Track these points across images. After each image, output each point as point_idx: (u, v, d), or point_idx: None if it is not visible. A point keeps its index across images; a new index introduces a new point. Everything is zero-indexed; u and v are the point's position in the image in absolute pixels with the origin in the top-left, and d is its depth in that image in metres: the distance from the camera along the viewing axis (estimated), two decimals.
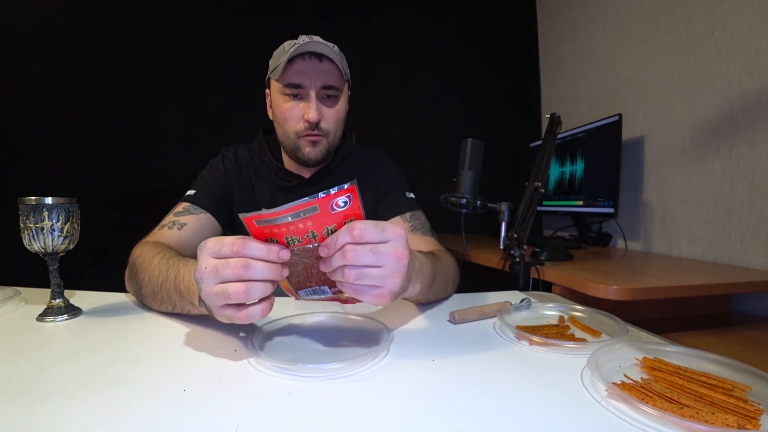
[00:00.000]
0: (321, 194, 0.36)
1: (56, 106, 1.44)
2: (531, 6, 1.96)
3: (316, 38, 0.72)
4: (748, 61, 1.02)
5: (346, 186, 0.37)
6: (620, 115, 1.21)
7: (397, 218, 0.80)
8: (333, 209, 0.38)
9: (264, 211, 0.37)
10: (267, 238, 0.39)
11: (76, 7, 1.44)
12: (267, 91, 0.81)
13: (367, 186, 0.84)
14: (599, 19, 1.56)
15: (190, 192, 0.78)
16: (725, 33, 1.08)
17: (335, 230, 0.39)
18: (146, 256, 0.59)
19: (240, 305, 0.39)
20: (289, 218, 0.37)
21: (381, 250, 0.39)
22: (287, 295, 0.48)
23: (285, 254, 0.39)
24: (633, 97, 1.39)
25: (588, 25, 1.62)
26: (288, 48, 0.71)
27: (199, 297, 0.42)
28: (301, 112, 0.73)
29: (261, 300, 0.40)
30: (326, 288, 0.45)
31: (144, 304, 0.60)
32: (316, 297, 0.46)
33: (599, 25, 1.56)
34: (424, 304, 0.65)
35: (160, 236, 0.69)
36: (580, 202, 1.37)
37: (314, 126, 0.73)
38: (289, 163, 0.83)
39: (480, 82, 1.88)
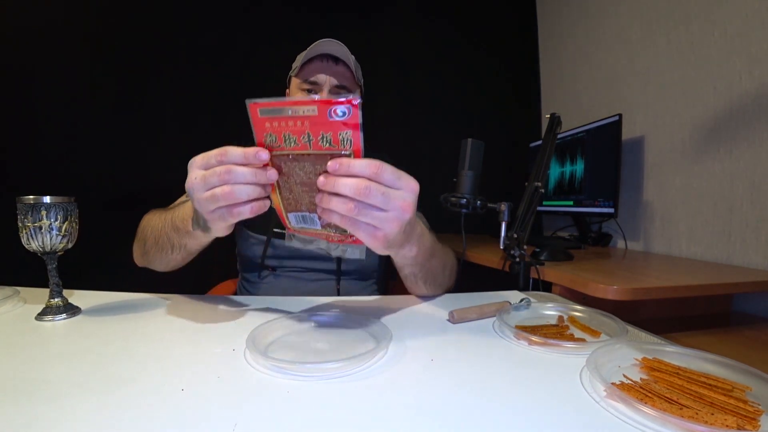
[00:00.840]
0: (319, 97, 0.36)
1: (55, 105, 1.44)
2: (531, 6, 1.96)
3: (336, 42, 0.79)
4: (748, 61, 1.02)
5: (348, 97, 0.37)
6: (620, 115, 1.21)
7: None
8: (331, 116, 0.38)
9: (268, 99, 0.39)
10: (266, 133, 0.40)
11: (76, 7, 1.44)
12: (287, 90, 0.91)
13: None
14: (599, 19, 1.56)
15: None
16: (725, 33, 1.07)
17: (330, 140, 0.39)
18: (150, 217, 0.67)
19: (231, 206, 0.42)
20: (290, 112, 0.38)
21: (391, 195, 0.40)
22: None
23: (264, 155, 0.40)
24: (633, 97, 1.39)
25: (588, 25, 1.62)
26: (307, 51, 0.80)
27: (192, 220, 0.47)
28: None
29: (251, 201, 0.42)
30: (315, 217, 0.44)
31: (149, 264, 0.67)
32: (307, 228, 0.46)
33: (599, 25, 1.56)
34: (425, 296, 0.66)
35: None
36: (580, 202, 1.36)
37: None
38: None
39: (480, 82, 1.88)
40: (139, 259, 0.71)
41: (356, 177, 0.39)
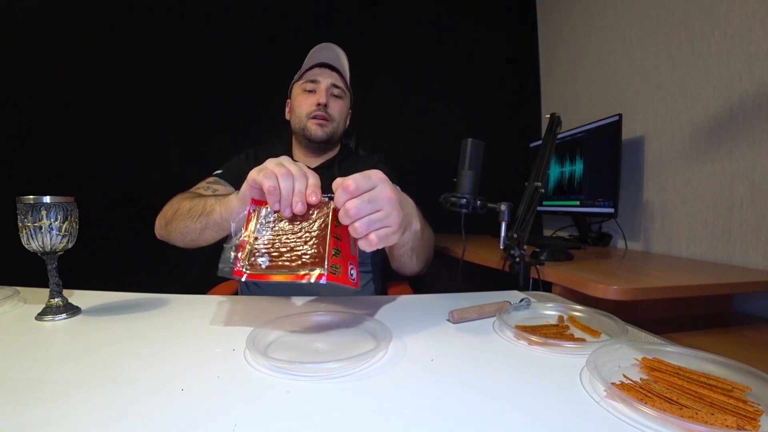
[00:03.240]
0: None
1: (55, 105, 1.44)
2: (531, 6, 1.96)
3: (333, 48, 0.95)
4: (748, 61, 1.02)
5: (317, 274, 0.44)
6: (620, 115, 1.21)
7: None
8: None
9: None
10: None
11: (76, 7, 1.44)
12: (288, 100, 1.04)
13: None
14: (599, 20, 1.56)
15: (218, 171, 0.93)
16: (725, 33, 1.07)
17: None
18: (184, 195, 0.76)
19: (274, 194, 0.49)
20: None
21: (375, 195, 0.45)
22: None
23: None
24: (633, 97, 1.39)
25: (588, 26, 1.62)
26: (309, 56, 0.96)
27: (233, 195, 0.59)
28: (313, 100, 0.95)
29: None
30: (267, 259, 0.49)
31: (168, 234, 0.74)
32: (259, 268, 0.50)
33: (599, 26, 1.56)
34: (420, 272, 0.76)
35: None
36: (580, 202, 1.36)
37: (323, 108, 0.93)
38: (297, 157, 1.01)
39: (480, 82, 1.88)
40: (160, 229, 0.78)
41: (344, 207, 0.45)
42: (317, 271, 0.44)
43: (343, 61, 0.98)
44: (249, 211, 0.52)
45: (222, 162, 1.01)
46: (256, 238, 0.49)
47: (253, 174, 0.50)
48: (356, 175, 0.45)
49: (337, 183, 0.45)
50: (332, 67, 0.96)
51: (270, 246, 0.48)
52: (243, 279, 0.46)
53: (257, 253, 0.47)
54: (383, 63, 1.74)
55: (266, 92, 1.60)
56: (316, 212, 0.49)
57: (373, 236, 0.45)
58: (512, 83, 1.93)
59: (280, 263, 0.46)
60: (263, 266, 0.46)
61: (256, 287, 0.91)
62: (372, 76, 1.65)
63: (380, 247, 0.47)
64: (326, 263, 0.44)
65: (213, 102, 1.60)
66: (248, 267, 0.47)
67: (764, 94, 0.98)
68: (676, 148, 1.22)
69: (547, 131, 1.01)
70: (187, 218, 0.70)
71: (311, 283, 0.43)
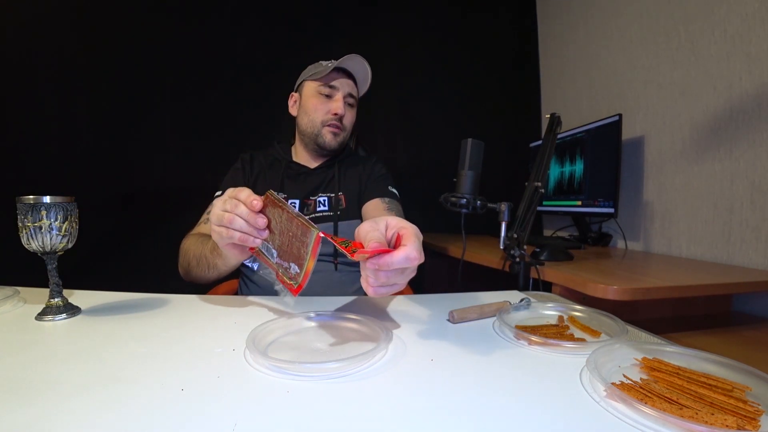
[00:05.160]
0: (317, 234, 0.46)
1: (55, 105, 1.44)
2: (531, 6, 1.96)
3: (359, 60, 0.95)
4: (748, 61, 1.02)
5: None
6: (620, 115, 1.21)
7: (376, 200, 0.92)
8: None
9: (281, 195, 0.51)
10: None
11: (76, 6, 1.44)
12: (293, 93, 1.02)
13: (356, 179, 0.98)
14: (599, 19, 1.56)
15: (218, 193, 0.92)
16: (725, 33, 1.07)
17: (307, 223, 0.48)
18: (192, 242, 0.78)
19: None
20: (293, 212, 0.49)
21: (406, 271, 0.44)
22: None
23: (257, 204, 0.52)
24: (633, 97, 1.39)
25: (588, 26, 1.62)
26: (329, 62, 0.95)
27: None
28: (329, 107, 0.94)
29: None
30: (274, 252, 0.53)
31: (190, 279, 0.77)
32: (266, 256, 0.55)
33: (599, 26, 1.56)
34: (425, 296, 0.72)
35: (199, 230, 0.86)
36: (580, 202, 1.36)
37: (339, 119, 0.94)
38: (298, 156, 1.02)
39: (480, 82, 1.88)
40: (184, 275, 0.81)
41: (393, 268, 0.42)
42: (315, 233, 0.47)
43: (368, 73, 0.98)
44: (255, 253, 0.57)
45: (222, 162, 1.01)
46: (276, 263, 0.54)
47: (216, 240, 0.55)
48: (410, 253, 0.42)
49: (401, 257, 0.42)
50: (350, 75, 0.96)
51: (283, 254, 0.52)
52: (298, 292, 0.49)
53: (284, 265, 0.52)
54: (384, 63, 1.74)
55: (266, 91, 1.61)
56: (280, 214, 0.52)
57: (383, 291, 0.45)
58: (512, 83, 1.93)
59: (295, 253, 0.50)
60: (296, 271, 0.50)
61: (256, 287, 0.91)
62: (372, 76, 1.65)
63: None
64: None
65: (213, 102, 1.59)
66: (292, 280, 0.50)
67: (764, 94, 0.98)
68: (676, 148, 1.22)
69: (547, 131, 1.01)
70: (198, 270, 0.73)
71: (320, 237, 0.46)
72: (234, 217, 0.52)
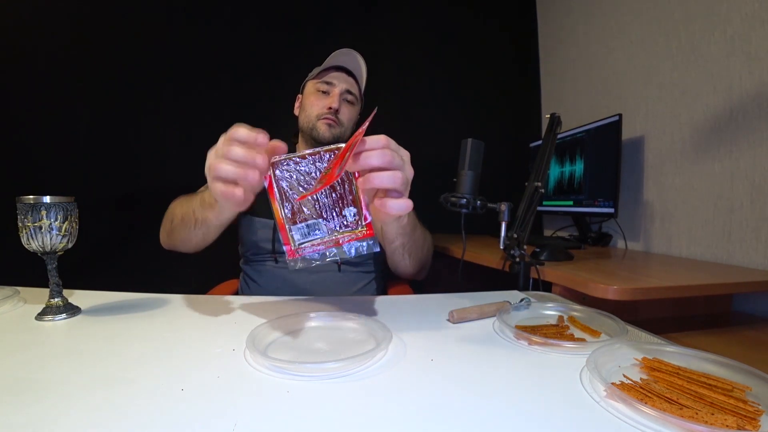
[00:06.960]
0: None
1: (55, 105, 1.44)
2: (531, 6, 1.96)
3: (353, 54, 0.97)
4: (748, 61, 1.02)
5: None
6: (620, 115, 1.21)
7: None
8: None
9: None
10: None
11: (76, 6, 1.44)
12: (299, 95, 1.05)
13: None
14: (599, 19, 1.56)
15: None
16: (725, 33, 1.07)
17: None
18: (177, 203, 0.77)
19: (227, 184, 0.46)
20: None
21: (401, 156, 0.48)
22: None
23: (262, 139, 0.46)
24: (633, 97, 1.39)
25: (588, 26, 1.62)
26: (329, 58, 0.97)
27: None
28: (325, 102, 0.96)
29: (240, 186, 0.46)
30: (321, 222, 0.47)
31: (171, 242, 0.75)
32: (314, 240, 0.48)
33: (599, 25, 1.56)
34: (416, 274, 0.81)
35: None
36: (580, 202, 1.36)
37: (334, 112, 0.95)
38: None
39: (480, 82, 1.88)
40: (164, 240, 0.79)
41: (375, 149, 0.45)
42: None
43: (362, 68, 0.99)
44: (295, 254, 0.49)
45: None
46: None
47: (210, 184, 0.49)
48: (387, 137, 0.47)
49: (376, 136, 0.46)
50: (349, 72, 0.98)
51: (328, 210, 0.48)
52: (372, 232, 0.47)
53: (338, 223, 0.47)
54: (384, 63, 1.74)
55: (268, 92, 1.61)
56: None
57: (383, 204, 0.46)
58: (512, 83, 1.93)
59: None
60: (353, 214, 0.47)
61: (257, 286, 0.91)
62: (372, 76, 1.65)
63: (392, 214, 0.46)
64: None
65: (214, 102, 1.59)
66: (355, 228, 0.48)
67: (764, 94, 0.98)
68: (676, 148, 1.22)
69: (547, 131, 1.01)
70: (182, 228, 0.70)
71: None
72: (230, 149, 0.46)
